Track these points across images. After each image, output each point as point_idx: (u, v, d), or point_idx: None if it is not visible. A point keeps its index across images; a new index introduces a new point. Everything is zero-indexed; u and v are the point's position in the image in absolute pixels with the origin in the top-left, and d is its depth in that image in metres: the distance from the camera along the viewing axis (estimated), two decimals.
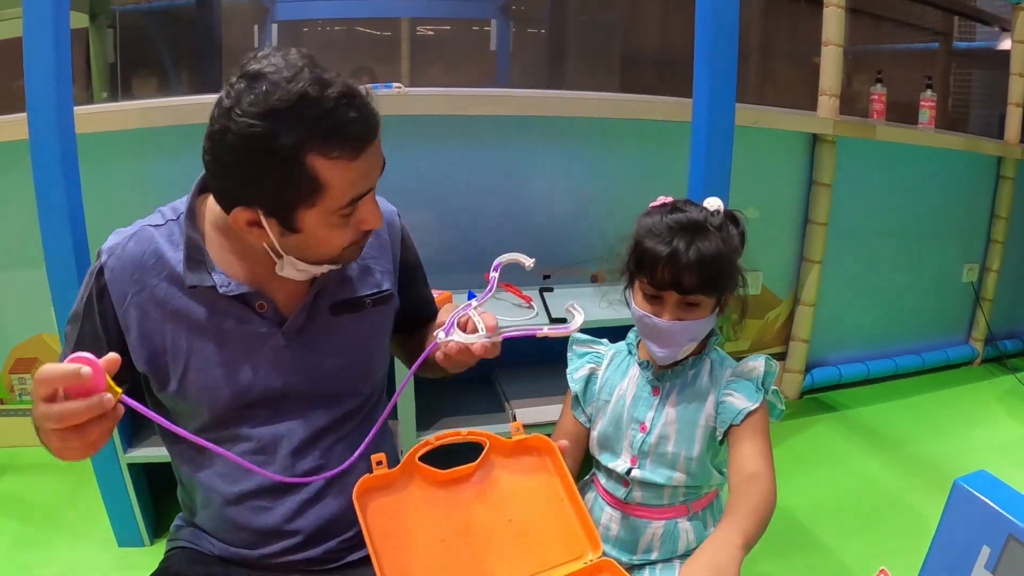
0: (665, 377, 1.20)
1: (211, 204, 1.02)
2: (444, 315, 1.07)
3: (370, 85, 0.94)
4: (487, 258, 1.10)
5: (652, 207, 1.18)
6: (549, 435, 1.11)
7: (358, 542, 1.07)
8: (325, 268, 1.02)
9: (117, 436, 1.81)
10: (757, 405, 1.12)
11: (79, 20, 3.48)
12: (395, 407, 1.22)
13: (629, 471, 1.19)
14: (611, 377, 1.26)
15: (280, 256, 0.98)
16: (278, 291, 1.04)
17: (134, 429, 1.95)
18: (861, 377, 3.22)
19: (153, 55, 3.25)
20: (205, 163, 0.92)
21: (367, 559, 0.93)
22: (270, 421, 1.04)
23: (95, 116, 2.09)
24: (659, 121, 2.48)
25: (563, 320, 1.78)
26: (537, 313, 2.00)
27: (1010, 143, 3.34)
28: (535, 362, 1.64)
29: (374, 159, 0.94)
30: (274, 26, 3.71)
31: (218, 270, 1.01)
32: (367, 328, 1.12)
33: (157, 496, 2.04)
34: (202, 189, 1.04)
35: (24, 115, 1.63)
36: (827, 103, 2.71)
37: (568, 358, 1.30)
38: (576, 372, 1.28)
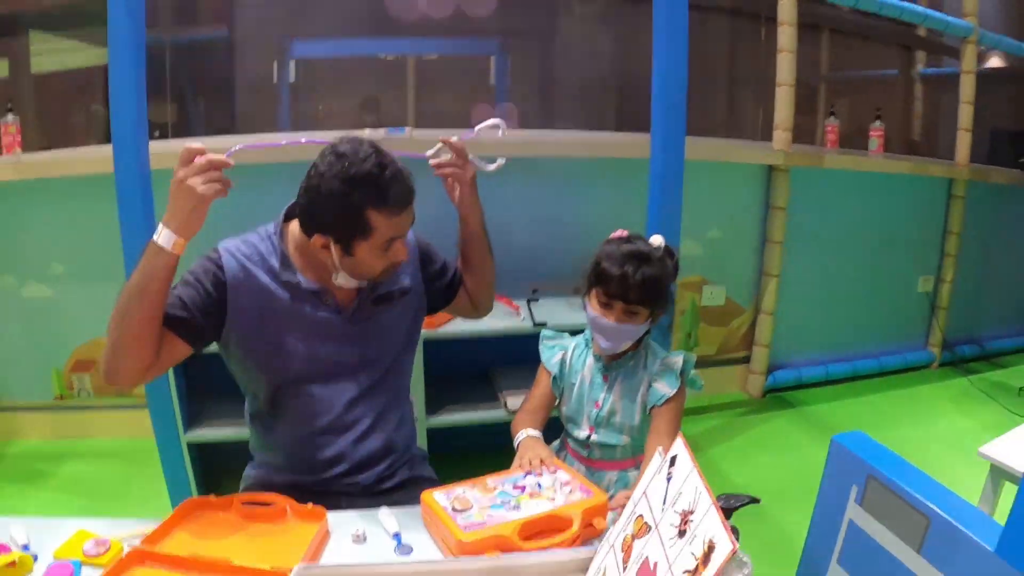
0: (613, 367, 1.61)
1: (293, 228, 1.47)
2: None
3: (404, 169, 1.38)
4: None
5: (611, 238, 1.58)
6: None
7: (391, 474, 1.52)
8: (364, 283, 1.47)
9: (179, 417, 2.18)
10: (675, 392, 1.54)
11: (102, 56, 3.80)
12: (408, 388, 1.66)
13: (588, 437, 1.60)
14: (574, 365, 1.66)
15: (337, 271, 1.42)
16: (337, 291, 1.49)
17: (192, 413, 2.33)
18: (820, 378, 3.58)
19: (174, 90, 3.58)
20: (301, 204, 1.39)
21: (398, 486, 1.49)
22: (331, 381, 1.48)
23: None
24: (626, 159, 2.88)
25: None
26: (524, 318, 2.41)
27: (960, 165, 3.69)
28: (524, 361, 2.04)
29: (407, 216, 1.40)
30: (292, 62, 4.10)
31: (299, 274, 1.45)
32: (397, 313, 1.55)
33: (209, 473, 2.42)
34: (287, 217, 1.49)
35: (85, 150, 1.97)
36: (781, 136, 3.10)
37: (540, 349, 1.70)
38: (552, 359, 1.69)
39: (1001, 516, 0.85)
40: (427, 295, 1.62)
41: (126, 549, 1.12)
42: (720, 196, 3.17)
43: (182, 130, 3.89)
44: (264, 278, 1.44)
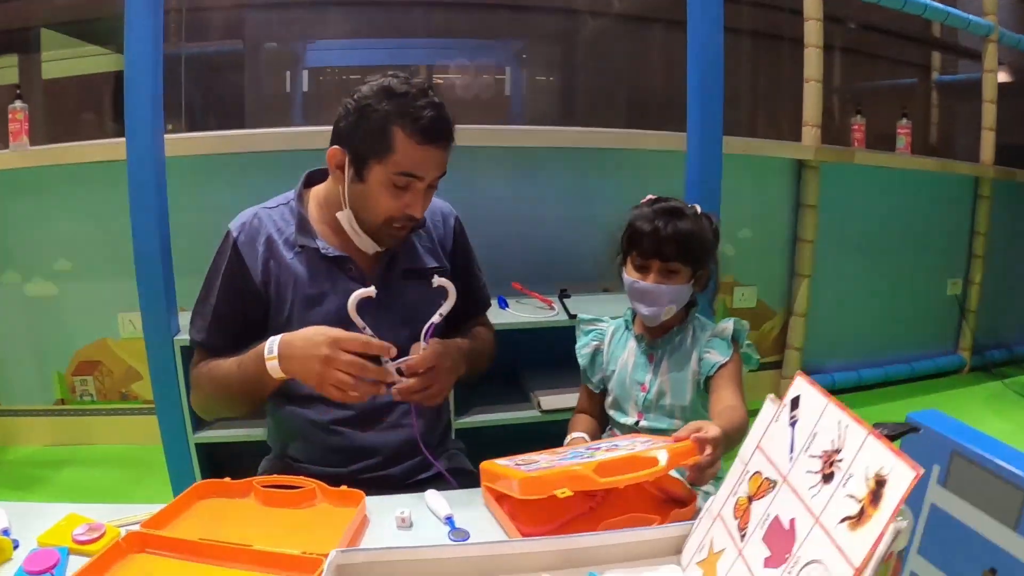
0: (657, 345, 1.48)
1: (316, 192, 1.39)
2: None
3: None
4: (510, 276, 1.46)
5: (641, 202, 1.48)
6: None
7: (427, 466, 1.38)
8: (368, 242, 1.35)
9: (187, 417, 2.07)
10: (728, 359, 1.41)
11: (117, 62, 3.66)
12: None
13: (636, 424, 1.47)
14: (614, 351, 1.53)
15: (344, 204, 1.32)
16: (361, 260, 1.38)
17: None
18: (853, 384, 3.47)
19: (187, 98, 3.53)
20: (337, 118, 1.30)
21: (435, 478, 1.28)
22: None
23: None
24: (657, 153, 2.80)
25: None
26: (557, 312, 2.31)
27: (984, 164, 3.64)
28: (558, 358, 1.93)
29: (434, 158, 1.28)
30: (304, 72, 4.06)
31: (320, 239, 1.35)
32: (427, 294, 1.39)
33: (217, 476, 2.28)
34: (307, 183, 1.41)
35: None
36: (810, 132, 3.03)
37: (576, 335, 1.59)
38: (583, 349, 1.57)
39: None
40: None
41: (123, 535, 0.95)
42: (750, 194, 3.09)
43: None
44: (282, 251, 1.36)
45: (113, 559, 0.91)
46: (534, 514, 1.05)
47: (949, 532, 0.80)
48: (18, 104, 2.57)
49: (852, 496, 0.59)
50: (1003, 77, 4.92)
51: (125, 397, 2.78)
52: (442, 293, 1.35)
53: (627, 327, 1.55)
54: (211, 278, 1.38)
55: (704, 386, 1.44)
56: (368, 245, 1.36)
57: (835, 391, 3.43)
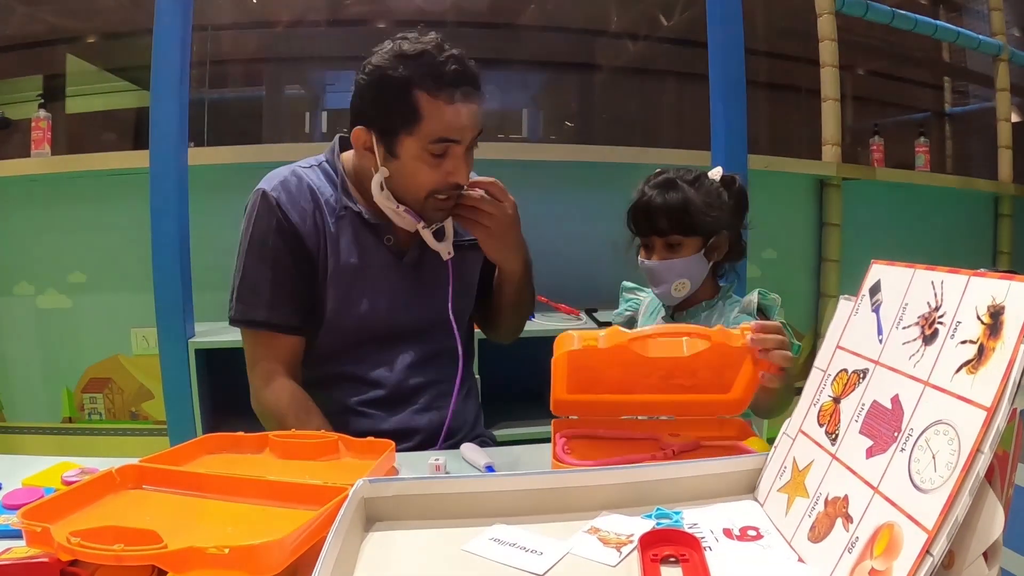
0: (682, 319, 1.40)
1: (346, 158, 1.32)
2: None
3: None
4: (538, 289, 1.49)
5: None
6: None
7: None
8: (409, 220, 1.25)
9: (199, 428, 2.01)
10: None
11: (142, 98, 3.70)
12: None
13: None
14: (644, 322, 1.48)
15: (381, 188, 1.23)
16: (398, 231, 1.31)
17: (215, 426, 2.10)
18: None
19: (208, 139, 3.58)
20: (352, 96, 1.22)
21: None
22: (389, 342, 1.31)
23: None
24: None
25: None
26: (585, 322, 2.28)
27: (1004, 182, 3.62)
28: None
29: (467, 115, 1.18)
30: (323, 113, 4.11)
31: (359, 204, 1.29)
32: (467, 267, 1.38)
33: None
34: (342, 146, 1.33)
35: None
36: (830, 151, 3.02)
37: (620, 299, 1.55)
38: (619, 317, 1.53)
39: None
40: None
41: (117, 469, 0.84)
42: (772, 214, 3.05)
43: None
44: (326, 213, 1.27)
45: (103, 490, 0.80)
46: (593, 456, 0.98)
47: None
48: (41, 113, 2.58)
49: (965, 341, 0.54)
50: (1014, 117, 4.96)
51: (135, 416, 2.69)
52: (478, 263, 1.35)
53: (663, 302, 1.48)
54: (255, 247, 1.26)
55: None
56: (408, 223, 1.27)
57: None
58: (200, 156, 2.43)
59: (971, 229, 3.65)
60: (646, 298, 1.53)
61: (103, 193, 2.57)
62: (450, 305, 1.32)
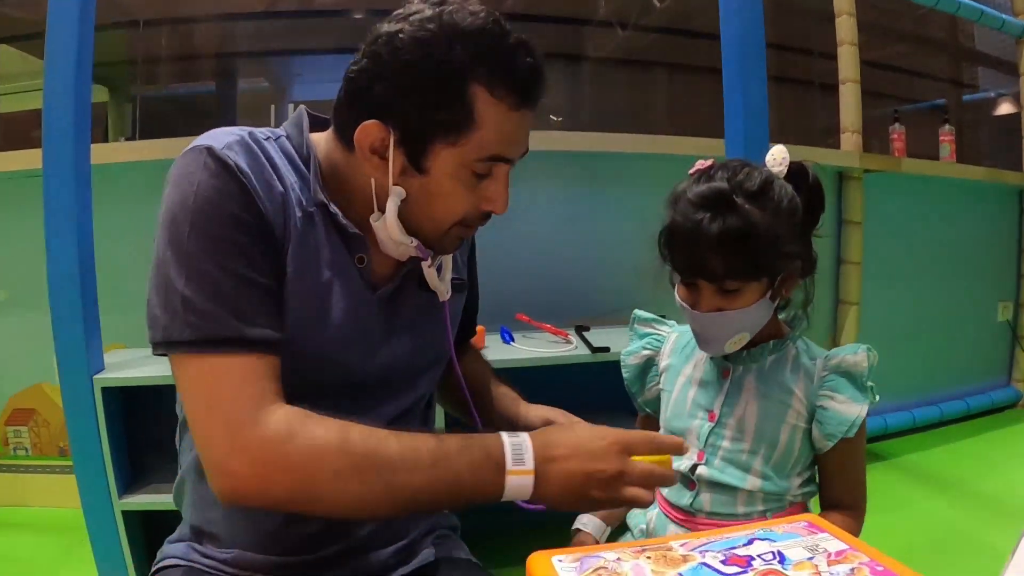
0: (738, 359, 1.02)
1: (317, 140, 0.91)
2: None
3: None
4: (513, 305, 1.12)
5: (690, 173, 1.01)
6: None
7: (408, 553, 0.97)
8: (414, 248, 0.88)
9: (112, 479, 1.67)
10: (866, 413, 0.95)
11: (100, 94, 3.64)
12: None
13: (695, 468, 1.01)
14: (675, 363, 1.10)
15: (381, 211, 0.86)
16: (376, 252, 0.91)
17: (134, 473, 1.80)
18: (908, 426, 3.05)
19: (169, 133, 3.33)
20: (353, 73, 0.83)
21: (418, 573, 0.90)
22: (341, 399, 0.86)
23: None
24: (682, 160, 2.43)
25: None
26: (576, 346, 1.89)
27: None
28: (572, 403, 1.56)
29: (527, 127, 0.86)
30: (290, 105, 3.79)
31: (332, 204, 0.88)
32: (454, 311, 1.03)
33: (153, 545, 1.85)
34: (313, 126, 0.92)
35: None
36: (850, 139, 2.69)
37: (629, 337, 1.18)
38: (630, 357, 1.15)
39: None
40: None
41: None
42: None
43: None
44: (291, 208, 0.85)
45: None
46: None
47: None
48: None
49: None
50: (1006, 108, 4.69)
51: (63, 452, 2.35)
52: (459, 310, 1.04)
53: None
54: (204, 229, 0.78)
55: (812, 448, 1.00)
56: (403, 252, 0.91)
57: (888, 435, 3.05)
58: (127, 152, 2.11)
59: (995, 225, 3.37)
60: (671, 333, 1.16)
61: (23, 198, 2.19)
62: (458, 373, 1.02)
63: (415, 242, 0.87)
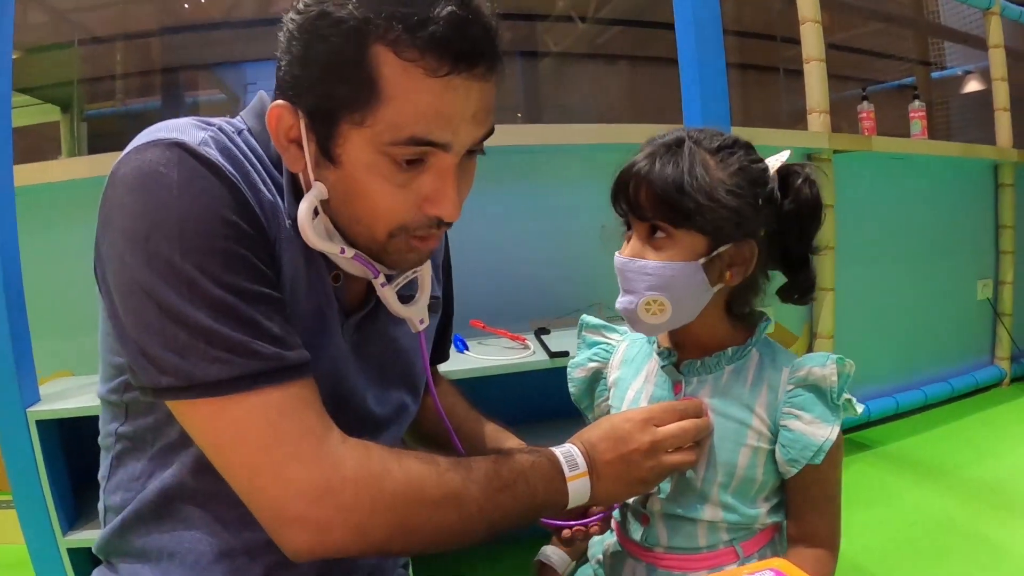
0: (693, 370, 0.89)
1: None
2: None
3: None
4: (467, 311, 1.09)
5: None
6: None
7: None
8: (359, 268, 0.76)
9: (54, 517, 1.57)
10: (836, 434, 0.82)
11: (52, 113, 3.65)
12: None
13: (646, 499, 0.90)
14: (624, 376, 0.98)
15: (311, 213, 0.72)
16: (350, 268, 0.79)
17: (80, 508, 1.69)
18: (891, 412, 2.98)
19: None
20: (279, 56, 0.71)
21: None
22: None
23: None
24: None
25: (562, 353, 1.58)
26: (534, 351, 1.79)
27: (1003, 148, 3.28)
28: (530, 412, 1.47)
29: (475, 102, 0.68)
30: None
31: None
32: (429, 338, 0.93)
33: None
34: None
35: None
36: (817, 119, 2.60)
37: (577, 345, 1.06)
38: (577, 370, 1.04)
39: None
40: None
41: None
42: None
43: None
44: (278, 213, 0.73)
45: None
46: None
47: None
48: None
49: None
50: (974, 86, 4.67)
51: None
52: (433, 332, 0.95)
53: (649, 341, 0.98)
54: (206, 250, 0.65)
55: (778, 473, 0.87)
56: (359, 270, 0.78)
57: (871, 423, 2.97)
58: (59, 171, 1.97)
59: (971, 203, 3.31)
60: (622, 342, 1.03)
61: None
62: (435, 400, 0.92)
63: (346, 250, 0.74)
